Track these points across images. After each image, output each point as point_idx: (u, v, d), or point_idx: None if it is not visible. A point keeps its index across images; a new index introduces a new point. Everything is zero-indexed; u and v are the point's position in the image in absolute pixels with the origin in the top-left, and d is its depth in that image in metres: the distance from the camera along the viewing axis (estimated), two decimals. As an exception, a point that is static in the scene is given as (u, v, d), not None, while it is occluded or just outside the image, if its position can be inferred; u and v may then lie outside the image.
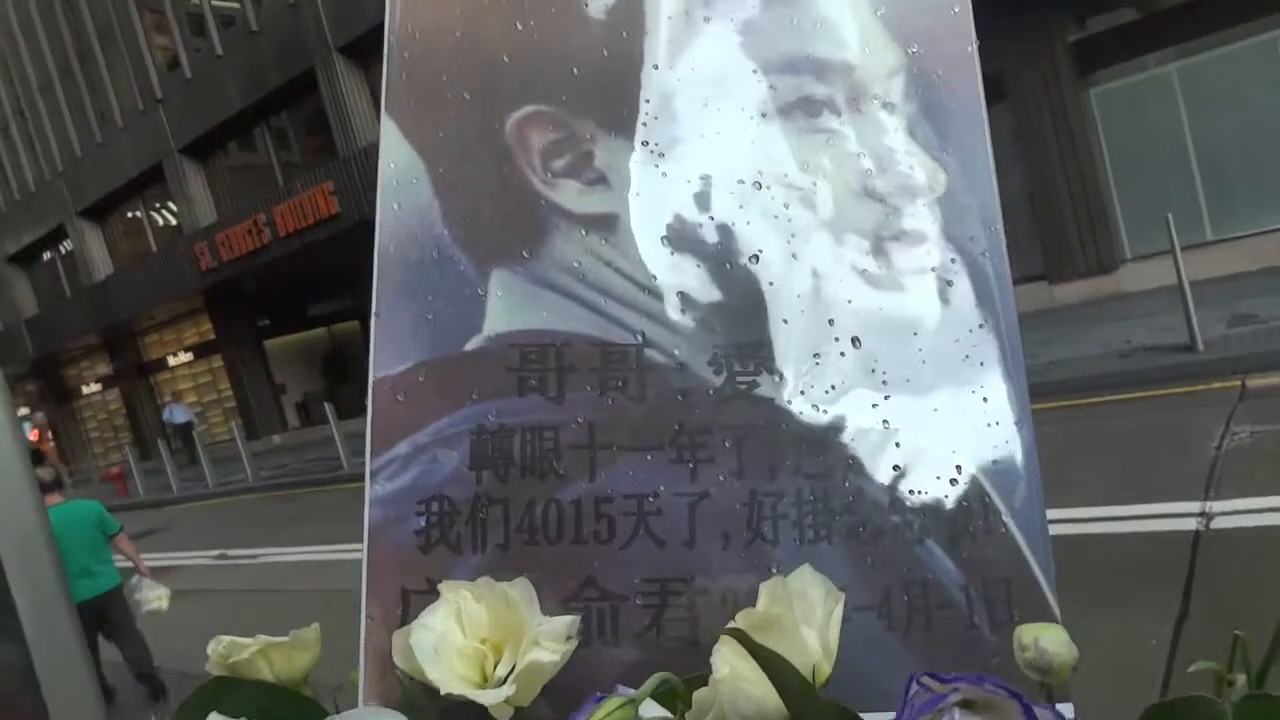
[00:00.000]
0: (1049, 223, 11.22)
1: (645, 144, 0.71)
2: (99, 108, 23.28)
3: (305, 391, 22.69)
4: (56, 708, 2.02)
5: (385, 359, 0.67)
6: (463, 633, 0.60)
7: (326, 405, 13.65)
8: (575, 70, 0.72)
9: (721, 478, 0.67)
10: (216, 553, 9.46)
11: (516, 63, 0.72)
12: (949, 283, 0.72)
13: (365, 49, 16.04)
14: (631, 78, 0.72)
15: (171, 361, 26.08)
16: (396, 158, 0.70)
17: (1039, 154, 11.11)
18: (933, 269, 0.72)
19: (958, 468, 0.68)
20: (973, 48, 0.78)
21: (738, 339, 0.69)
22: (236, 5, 19.03)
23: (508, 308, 0.69)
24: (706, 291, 0.70)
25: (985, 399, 0.70)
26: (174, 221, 22.74)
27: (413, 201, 0.69)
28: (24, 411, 33.84)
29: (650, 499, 0.66)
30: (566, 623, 0.61)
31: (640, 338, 0.69)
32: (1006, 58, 10.99)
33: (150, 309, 22.88)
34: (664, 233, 0.70)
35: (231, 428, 17.17)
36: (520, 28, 0.72)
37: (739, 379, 0.68)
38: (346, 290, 19.28)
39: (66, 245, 26.60)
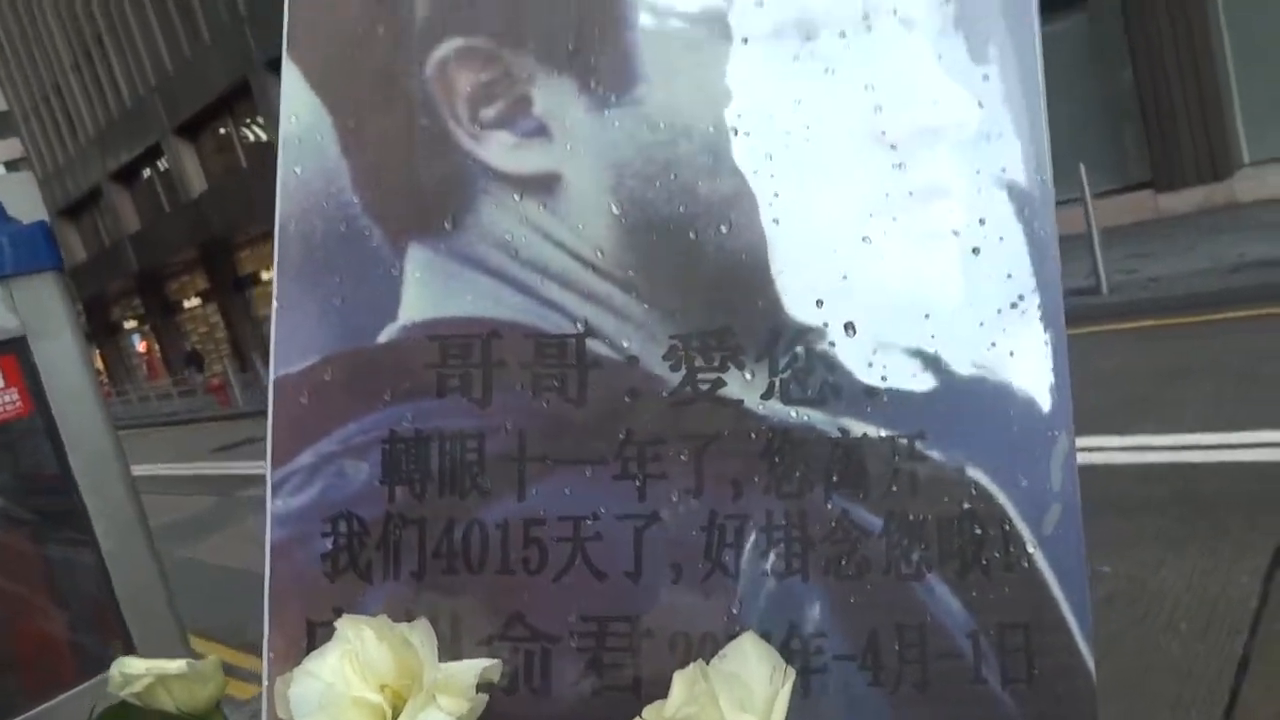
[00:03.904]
0: (1160, 125, 10.41)
1: (594, 85, 0.58)
2: (187, 23, 23.60)
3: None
4: (134, 618, 2.07)
5: (287, 353, 0.58)
6: (361, 679, 0.51)
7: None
8: None
9: (675, 497, 0.56)
10: (307, 462, 9.84)
11: None
12: (975, 250, 0.58)
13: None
14: (581, 2, 0.59)
15: (265, 275, 26.94)
16: (299, 110, 0.59)
17: (1152, 49, 10.24)
18: (955, 232, 0.58)
19: (973, 484, 0.55)
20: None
21: (701, 326, 0.57)
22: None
23: (427, 290, 0.57)
24: (664, 268, 0.57)
25: (1013, 398, 0.56)
26: (263, 137, 23.15)
27: (317, 164, 0.58)
28: (132, 324, 35.65)
29: (589, 522, 0.56)
30: (477, 668, 0.51)
31: (582, 326, 0.57)
32: (1119, -57, 10.07)
33: (243, 224, 23.53)
34: (614, 196, 0.57)
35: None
36: (446, -59, 0.59)
37: (700, 377, 0.56)
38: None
39: (163, 163, 27.44)
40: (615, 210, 0.57)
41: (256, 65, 21.47)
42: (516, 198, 0.58)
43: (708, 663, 0.49)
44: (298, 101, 0.59)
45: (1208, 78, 10.08)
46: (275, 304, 0.58)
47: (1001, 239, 0.58)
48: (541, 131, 0.58)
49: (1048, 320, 0.57)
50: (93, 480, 2.84)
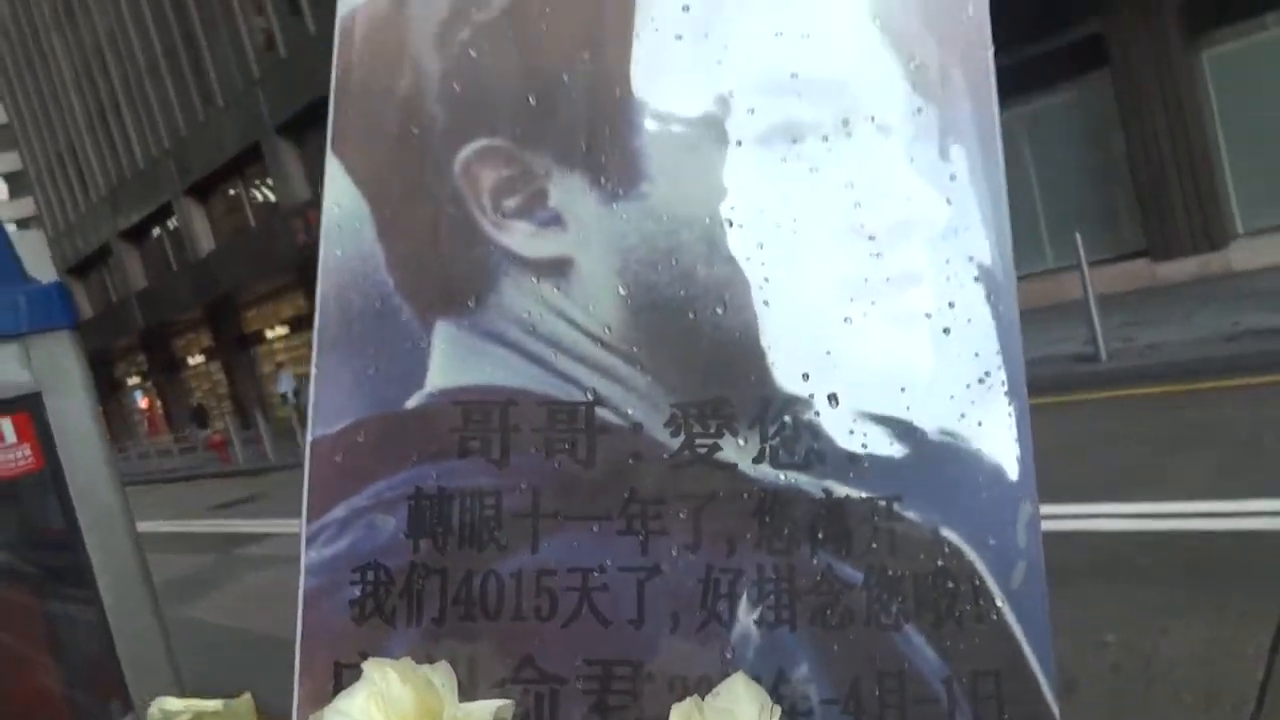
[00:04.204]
0: (1152, 195, 10.61)
1: (603, 180, 0.65)
2: (202, 89, 24.20)
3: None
4: (134, 676, 2.09)
5: (324, 417, 0.64)
6: (385, 717, 0.56)
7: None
8: (531, 99, 0.66)
9: (674, 551, 0.61)
10: (306, 521, 9.81)
11: (468, 93, 0.66)
12: (946, 330, 0.64)
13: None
14: (592, 105, 0.66)
15: (269, 335, 27.12)
16: (341, 199, 0.66)
17: (1142, 120, 10.49)
18: (927, 315, 0.64)
19: (946, 543, 0.61)
20: (988, 55, 0.70)
21: (698, 396, 0.63)
22: (327, -15, 19.45)
23: (451, 362, 0.64)
24: (666, 344, 0.64)
25: (981, 464, 0.62)
26: (271, 198, 23.54)
27: (355, 247, 0.65)
28: (135, 380, 35.74)
29: (596, 573, 0.61)
30: (492, 709, 0.56)
31: (591, 395, 0.63)
32: (1107, 17, 10.38)
33: (249, 283, 23.81)
34: (621, 279, 0.64)
35: (323, 399, 17.75)
36: (474, 54, 0.67)
37: (698, 442, 0.62)
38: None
39: (173, 222, 27.86)
40: (622, 291, 0.64)
41: (268, 129, 21.96)
42: (534, 280, 0.65)
43: (703, 704, 0.54)
44: (340, 192, 0.66)
45: (1199, 148, 10.31)
46: (314, 371, 0.64)
47: (969, 320, 0.64)
48: (557, 221, 0.65)
49: (1012, 394, 0.63)
50: (99, 537, 2.87)
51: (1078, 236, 8.17)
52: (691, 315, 0.64)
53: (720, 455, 0.62)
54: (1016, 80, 10.85)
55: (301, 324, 25.31)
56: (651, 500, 0.62)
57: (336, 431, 0.64)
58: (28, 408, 2.85)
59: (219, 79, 23.29)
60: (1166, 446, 5.24)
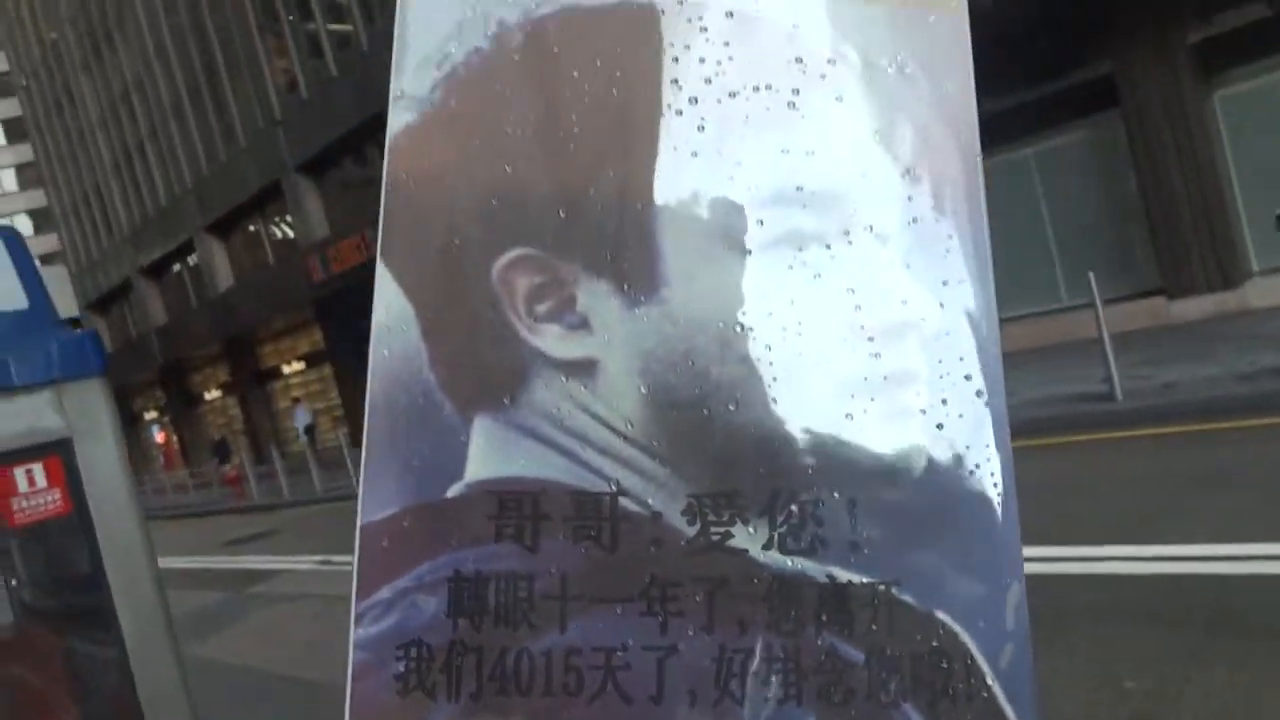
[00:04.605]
0: (1167, 234, 10.64)
1: (627, 287, 0.72)
2: (224, 128, 24.68)
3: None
4: (153, 715, 2.12)
5: (372, 505, 0.70)
6: (427, 787, 0.61)
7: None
8: (561, 212, 0.73)
9: (691, 632, 0.67)
10: (320, 558, 9.86)
11: (505, 206, 0.73)
12: (939, 425, 0.70)
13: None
14: (616, 217, 0.73)
15: (285, 370, 27.37)
16: (389, 303, 0.73)
17: (1156, 161, 10.55)
18: (922, 411, 0.70)
19: (940, 626, 0.66)
20: (978, 168, 0.76)
21: (713, 488, 0.69)
22: (350, 27, 19.87)
23: (488, 455, 0.70)
24: (683, 439, 0.70)
25: (972, 553, 0.68)
26: (290, 235, 23.89)
27: (402, 347, 0.72)
28: (152, 415, 36.03)
29: (619, 652, 0.67)
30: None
31: (615, 486, 0.69)
32: (1119, 59, 10.49)
33: (266, 319, 24.11)
34: (642, 379, 0.71)
35: (338, 435, 17.90)
36: (509, 170, 0.74)
37: (713, 529, 0.68)
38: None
39: (193, 258, 28.27)
40: (643, 390, 0.71)
41: (288, 167, 22.35)
42: (563, 379, 0.71)
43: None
44: (388, 297, 0.73)
45: (1211, 188, 10.34)
46: (364, 461, 0.71)
47: (961, 416, 0.70)
48: (584, 325, 0.72)
49: (1001, 485, 0.69)
50: (123, 580, 2.92)
51: (1091, 275, 8.21)
52: (706, 412, 0.70)
53: (732, 542, 0.68)
54: (1030, 119, 10.97)
55: (318, 359, 25.56)
56: (670, 584, 0.68)
57: (383, 518, 0.70)
58: (59, 453, 2.93)
59: (241, 119, 23.75)
60: (1184, 488, 5.21)
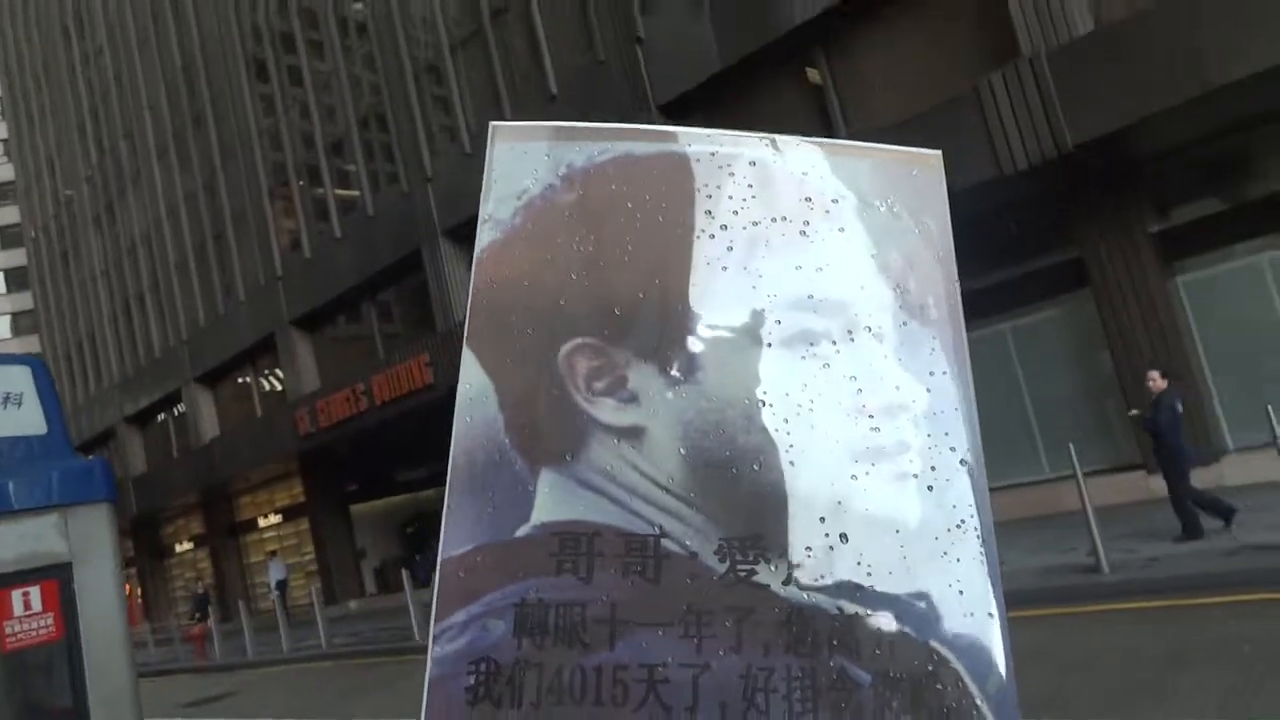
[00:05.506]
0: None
1: (669, 370, 0.88)
2: (225, 283, 25.36)
3: (384, 557, 23.02)
4: None
5: (452, 542, 0.82)
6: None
7: (404, 572, 13.82)
8: (616, 310, 0.90)
9: (722, 652, 0.78)
10: (284, 722, 9.44)
11: (570, 305, 0.90)
12: (930, 488, 0.85)
13: (468, 232, 17.27)
14: (661, 316, 0.90)
15: (262, 523, 26.87)
16: (472, 380, 0.88)
17: (1127, 339, 11.00)
18: (915, 475, 0.85)
19: (935, 653, 0.78)
20: (955, 285, 0.94)
21: (740, 533, 0.82)
22: (356, 193, 20.89)
23: (551, 502, 0.84)
24: (715, 493, 0.84)
25: (961, 592, 0.80)
26: (279, 387, 24.09)
27: (482, 415, 0.87)
28: (121, 566, 34.88)
29: (660, 669, 0.78)
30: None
31: (658, 529, 0.82)
32: (1086, 245, 11.13)
33: (249, 470, 23.90)
34: (682, 443, 0.85)
35: (310, 591, 17.43)
36: (574, 278, 0.91)
37: (740, 567, 0.81)
38: (433, 456, 19.79)
39: (179, 408, 28.29)
40: (682, 452, 0.85)
41: (284, 321, 22.83)
42: (615, 441, 0.86)
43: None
44: (471, 375, 0.88)
45: (1181, 367, 10.72)
46: (446, 507, 0.84)
47: (948, 480, 0.85)
48: (634, 399, 0.87)
49: (983, 537, 0.83)
50: (108, 713, 2.86)
51: (1071, 448, 8.41)
52: (734, 471, 0.85)
53: (757, 578, 0.81)
54: (1007, 297, 11.52)
55: (296, 513, 25.18)
56: (704, 611, 0.80)
57: (460, 554, 0.82)
58: (57, 576, 2.95)
59: (243, 274, 24.44)
60: (1172, 662, 5.19)
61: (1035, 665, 5.25)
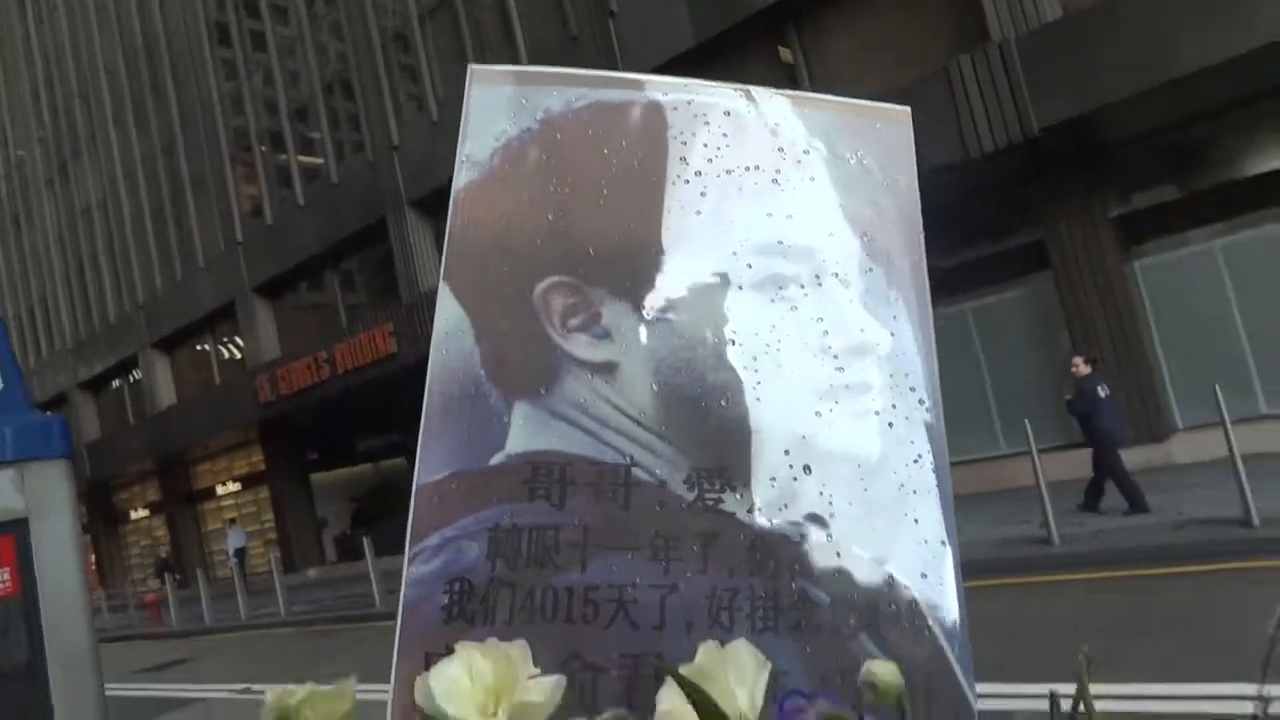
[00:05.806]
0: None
1: (642, 308, 0.90)
2: (184, 248, 24.86)
3: (344, 527, 22.93)
4: None
5: (427, 469, 0.85)
6: (471, 681, 0.74)
7: (365, 540, 13.77)
8: (592, 251, 0.92)
9: (689, 574, 0.82)
10: (241, 686, 9.41)
11: (545, 245, 0.92)
12: (890, 424, 0.88)
13: (435, 203, 17.13)
14: (636, 257, 0.92)
15: (220, 490, 26.59)
16: (448, 314, 0.90)
17: (1085, 320, 11.25)
18: (876, 412, 0.89)
19: (890, 577, 0.82)
20: (920, 237, 0.98)
21: (708, 464, 0.86)
22: (321, 161, 20.55)
23: (526, 433, 0.86)
24: (685, 426, 0.87)
25: (916, 520, 0.85)
26: (238, 355, 23.75)
27: (458, 348, 0.89)
28: (74, 534, 34.31)
29: (629, 589, 0.81)
30: (553, 681, 0.75)
31: (629, 459, 0.85)
32: (1049, 228, 11.34)
33: (207, 438, 23.58)
34: (653, 378, 0.88)
35: (270, 559, 17.32)
36: (550, 219, 0.93)
37: (707, 495, 0.85)
38: (396, 426, 19.71)
39: (136, 374, 27.78)
40: (654, 388, 0.88)
41: (245, 288, 22.48)
42: (589, 376, 0.88)
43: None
44: (447, 309, 0.90)
45: (1136, 348, 11.00)
46: (421, 437, 0.86)
47: (907, 418, 0.89)
48: (607, 336, 0.90)
49: (938, 472, 0.87)
50: (65, 675, 2.85)
51: (1027, 424, 8.63)
52: (704, 405, 0.88)
53: (723, 506, 0.84)
54: (969, 278, 11.71)
55: (255, 481, 24.93)
56: (672, 536, 0.83)
57: (436, 480, 0.85)
58: (14, 531, 2.93)
59: (203, 240, 23.97)
60: (1120, 630, 5.38)
61: (983, 634, 5.40)
